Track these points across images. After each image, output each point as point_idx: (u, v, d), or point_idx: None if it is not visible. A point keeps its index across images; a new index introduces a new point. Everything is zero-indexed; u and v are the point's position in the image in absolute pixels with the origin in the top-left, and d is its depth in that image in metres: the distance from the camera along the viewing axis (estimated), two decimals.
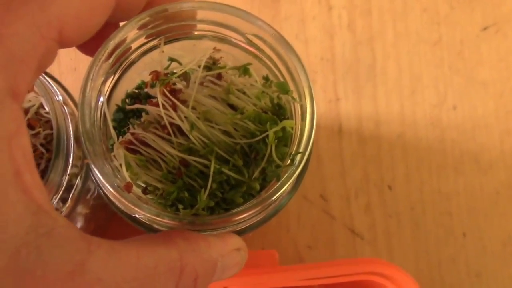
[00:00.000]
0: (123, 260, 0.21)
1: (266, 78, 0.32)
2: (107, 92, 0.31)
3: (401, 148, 0.50)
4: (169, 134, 0.29)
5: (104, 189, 0.28)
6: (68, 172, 0.31)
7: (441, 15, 0.53)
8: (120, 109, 0.33)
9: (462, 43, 0.52)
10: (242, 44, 0.31)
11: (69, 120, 0.32)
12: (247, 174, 0.29)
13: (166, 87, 0.29)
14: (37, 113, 0.38)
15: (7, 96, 0.19)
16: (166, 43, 0.31)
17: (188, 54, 0.32)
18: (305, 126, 0.28)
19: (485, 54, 0.52)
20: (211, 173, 0.29)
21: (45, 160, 0.37)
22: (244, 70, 0.32)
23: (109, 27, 0.27)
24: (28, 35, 0.20)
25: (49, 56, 0.22)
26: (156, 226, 0.29)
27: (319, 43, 0.52)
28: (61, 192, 0.32)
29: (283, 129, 0.29)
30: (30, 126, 0.37)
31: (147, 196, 0.30)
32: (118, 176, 0.28)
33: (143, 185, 0.30)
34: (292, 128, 0.29)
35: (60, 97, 0.32)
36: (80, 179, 0.34)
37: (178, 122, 0.29)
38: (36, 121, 0.38)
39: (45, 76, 0.32)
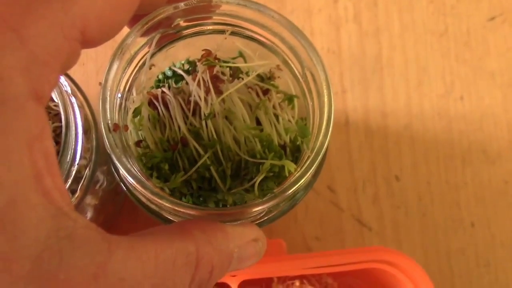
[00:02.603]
0: (143, 257, 0.20)
1: (303, 119, 0.32)
2: (161, 43, 0.31)
3: (409, 139, 0.50)
4: (189, 110, 0.30)
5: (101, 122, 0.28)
6: (76, 163, 0.32)
7: (447, 6, 0.53)
8: (171, 68, 0.34)
9: (469, 34, 0.52)
10: (300, 78, 0.31)
11: (78, 112, 0.32)
12: (228, 185, 0.30)
13: (211, 70, 0.30)
14: (46, 106, 0.39)
15: (30, 99, 0.19)
16: (237, 34, 0.32)
17: (252, 56, 0.32)
18: (305, 172, 0.28)
19: (492, 44, 0.52)
20: (199, 163, 0.29)
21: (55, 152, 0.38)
22: (290, 99, 0.32)
23: (136, 18, 0.27)
24: (51, 36, 0.20)
25: (73, 56, 0.21)
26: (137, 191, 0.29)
27: (325, 35, 0.52)
28: (69, 183, 0.32)
29: (282, 167, 0.29)
30: None
31: (137, 149, 0.31)
32: (121, 117, 0.29)
33: (141, 138, 0.31)
34: (289, 172, 0.29)
35: (69, 88, 0.32)
36: (89, 170, 0.34)
37: (202, 104, 0.29)
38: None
39: None
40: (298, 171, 0.27)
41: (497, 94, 0.51)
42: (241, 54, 0.34)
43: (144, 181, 0.26)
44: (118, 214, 0.45)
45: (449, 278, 0.47)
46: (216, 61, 0.31)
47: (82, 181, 0.34)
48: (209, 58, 0.31)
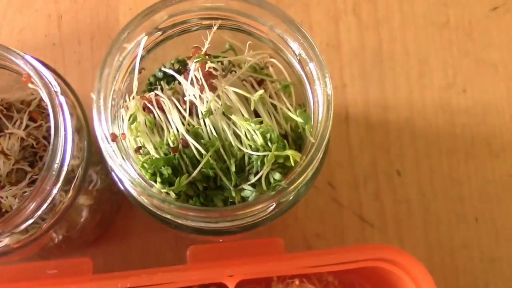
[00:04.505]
0: None
1: (301, 106, 0.32)
2: (149, 46, 0.31)
3: (410, 133, 0.49)
4: (185, 110, 0.29)
5: (97, 133, 0.27)
6: (66, 164, 0.31)
7: None
8: (161, 70, 0.33)
9: (471, 25, 0.51)
10: (294, 64, 0.31)
11: (67, 112, 0.32)
12: (235, 182, 0.29)
13: (203, 67, 0.29)
14: (39, 105, 0.38)
15: None
16: (224, 27, 0.31)
17: (242, 48, 0.32)
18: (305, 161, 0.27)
19: (495, 35, 0.51)
20: (202, 163, 0.29)
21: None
22: (285, 87, 0.32)
23: None
24: None
25: None
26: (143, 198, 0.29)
27: (324, 28, 0.51)
28: (60, 183, 0.31)
29: (286, 157, 0.29)
30: (32, 119, 0.38)
31: (137, 155, 0.30)
32: (117, 125, 0.29)
33: (140, 145, 0.30)
34: (294, 162, 0.29)
35: (58, 89, 0.32)
36: (81, 169, 0.33)
37: (198, 103, 0.29)
38: (38, 113, 0.38)
39: (44, 68, 0.32)
40: (304, 160, 0.27)
41: (501, 86, 0.50)
42: (231, 47, 0.33)
43: (149, 189, 0.26)
44: (116, 212, 0.45)
45: (453, 274, 0.46)
46: (207, 57, 0.31)
47: (74, 180, 0.33)
48: (199, 55, 0.30)
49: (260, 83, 0.32)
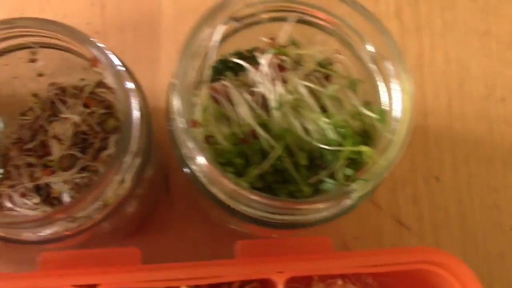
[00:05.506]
0: None
1: (367, 103, 0.32)
2: (222, 36, 0.31)
3: (449, 140, 0.49)
4: (254, 102, 0.29)
5: (174, 119, 0.27)
6: (131, 150, 0.31)
7: (490, 5, 0.52)
8: (222, 61, 0.33)
9: (511, 35, 0.51)
10: (365, 60, 0.31)
11: (136, 99, 0.31)
12: (305, 176, 0.29)
13: (276, 58, 0.29)
14: (92, 92, 0.38)
15: None
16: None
17: (307, 44, 0.32)
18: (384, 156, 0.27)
19: None
20: (272, 155, 0.29)
21: (100, 140, 0.37)
22: (352, 84, 0.32)
23: None
24: None
25: None
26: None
27: None
28: (123, 173, 0.31)
29: (359, 153, 0.29)
30: (86, 105, 0.37)
31: (207, 144, 0.30)
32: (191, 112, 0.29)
33: (209, 134, 0.30)
34: (369, 157, 0.29)
35: (127, 74, 0.31)
36: (141, 160, 0.33)
37: (268, 95, 0.29)
38: (91, 100, 0.37)
39: (111, 53, 0.32)
40: (382, 156, 0.27)
41: None
42: (293, 42, 0.33)
43: (227, 174, 0.26)
44: (157, 203, 0.45)
45: (489, 282, 0.46)
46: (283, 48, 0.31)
47: (134, 171, 0.33)
48: (277, 46, 0.30)
49: (328, 78, 0.32)
